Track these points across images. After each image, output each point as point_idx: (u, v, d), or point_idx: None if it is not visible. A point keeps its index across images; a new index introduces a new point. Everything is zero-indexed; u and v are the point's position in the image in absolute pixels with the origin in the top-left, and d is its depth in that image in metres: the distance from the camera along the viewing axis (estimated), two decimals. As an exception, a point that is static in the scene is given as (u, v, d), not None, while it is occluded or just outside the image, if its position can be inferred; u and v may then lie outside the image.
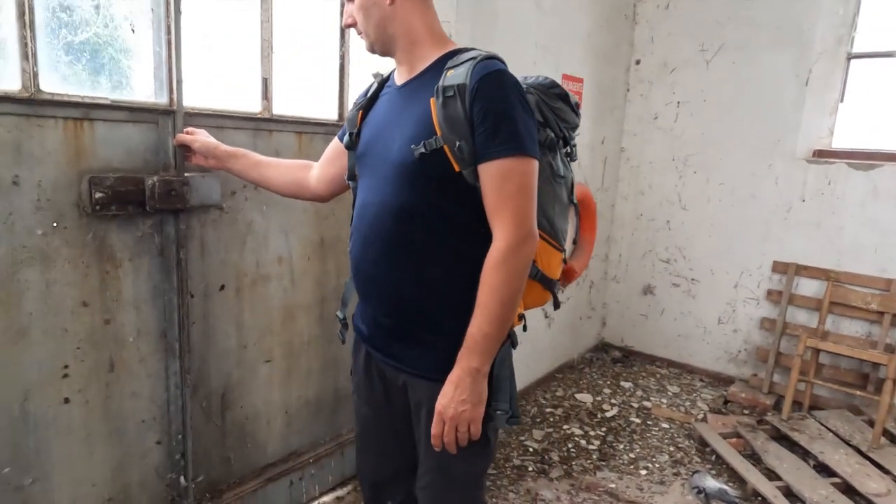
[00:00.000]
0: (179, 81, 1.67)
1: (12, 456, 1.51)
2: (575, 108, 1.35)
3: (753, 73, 3.46)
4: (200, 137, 1.63)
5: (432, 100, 1.13)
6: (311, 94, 2.10)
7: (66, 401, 1.59)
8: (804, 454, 2.71)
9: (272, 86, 1.90)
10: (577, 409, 3.20)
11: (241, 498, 1.98)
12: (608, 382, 3.60)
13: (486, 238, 1.15)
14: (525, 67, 2.83)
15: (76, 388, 1.61)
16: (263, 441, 2.08)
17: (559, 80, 3.11)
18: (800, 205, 3.41)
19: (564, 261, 1.43)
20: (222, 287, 1.87)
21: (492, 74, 1.11)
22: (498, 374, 1.19)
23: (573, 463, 2.65)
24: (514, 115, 1.11)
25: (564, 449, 2.77)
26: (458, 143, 1.11)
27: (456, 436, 1.17)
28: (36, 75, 1.42)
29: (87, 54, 1.55)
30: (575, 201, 1.44)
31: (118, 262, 1.64)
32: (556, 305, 1.45)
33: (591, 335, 4.11)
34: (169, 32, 1.64)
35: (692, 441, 2.92)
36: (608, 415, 3.16)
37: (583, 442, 2.85)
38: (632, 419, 3.13)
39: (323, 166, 1.51)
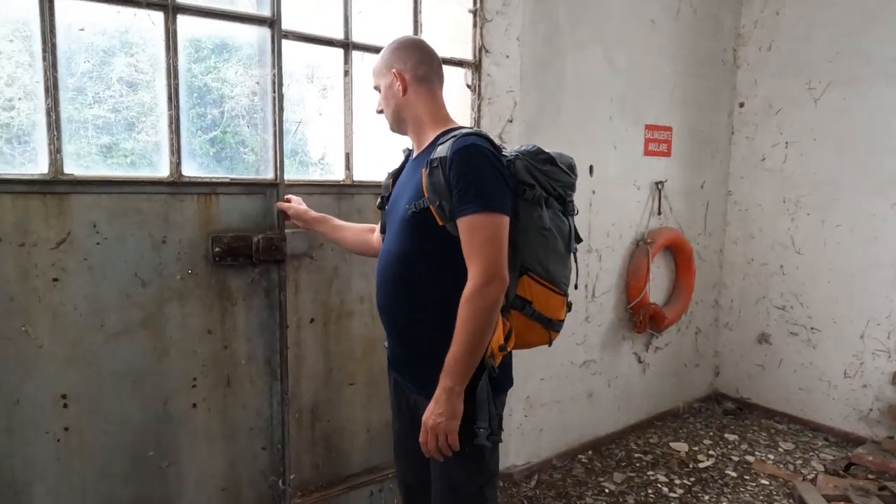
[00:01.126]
0: (282, 160, 2.15)
1: (156, 444, 2.02)
2: (567, 170, 1.55)
3: (867, 108, 3.26)
4: (294, 205, 2.06)
5: (423, 170, 1.44)
6: (387, 161, 2.51)
7: (194, 406, 2.09)
8: (926, 526, 2.43)
9: (353, 158, 2.34)
10: (669, 457, 3.15)
11: (326, 500, 2.35)
12: (711, 433, 3.47)
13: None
14: (600, 123, 3.02)
15: (201, 398, 2.10)
16: (347, 453, 2.44)
17: (641, 130, 3.24)
18: (932, 247, 3.09)
19: (569, 305, 1.59)
20: (312, 320, 2.30)
21: (466, 147, 1.38)
22: (479, 396, 1.40)
23: (647, 508, 2.65)
24: (481, 179, 1.36)
25: (643, 494, 2.77)
26: (439, 203, 1.40)
27: (439, 445, 1.40)
28: (179, 164, 1.98)
29: (215, 146, 2.10)
30: (574, 249, 1.61)
31: (234, 300, 2.13)
32: (550, 343, 1.61)
33: (701, 384, 3.97)
34: (274, 125, 2.13)
35: (791, 501, 2.74)
36: (701, 465, 3.07)
37: (665, 489, 2.82)
38: (727, 472, 3.00)
39: (379, 230, 1.85)
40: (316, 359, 2.33)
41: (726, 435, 3.45)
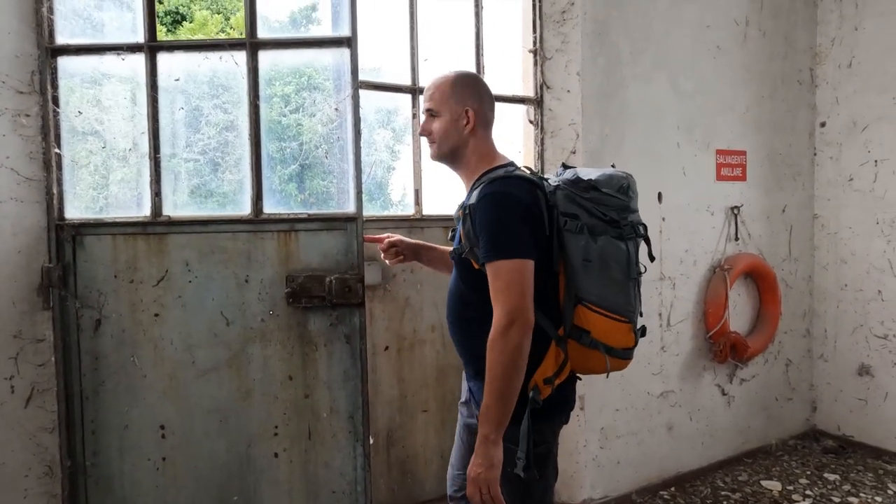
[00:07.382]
0: (360, 193, 2.04)
1: (240, 489, 2.00)
2: (616, 193, 1.49)
3: (966, 120, 3.04)
4: (396, 238, 1.89)
5: (460, 213, 1.53)
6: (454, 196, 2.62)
7: (276, 455, 2.02)
8: None
9: (422, 194, 2.47)
10: (759, 496, 2.95)
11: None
12: (808, 472, 3.22)
13: None
14: (667, 150, 3.00)
15: (282, 447, 2.02)
16: (422, 479, 2.49)
17: (712, 156, 3.19)
18: None
19: (641, 331, 1.55)
20: (386, 348, 2.40)
21: (485, 197, 1.43)
22: (521, 428, 1.40)
23: (736, 549, 2.50)
24: (500, 225, 1.41)
25: (731, 535, 2.62)
26: (471, 249, 1.46)
27: (482, 498, 1.38)
28: (259, 200, 2.03)
29: (294, 180, 2.19)
30: (635, 274, 1.51)
31: (315, 345, 2.02)
32: (608, 372, 1.53)
33: (796, 420, 3.71)
34: (355, 155, 2.02)
35: (903, 547, 2.50)
36: (797, 506, 2.86)
37: (756, 530, 2.65)
38: (827, 514, 2.78)
39: None
40: (390, 385, 2.42)
41: (826, 474, 3.20)
